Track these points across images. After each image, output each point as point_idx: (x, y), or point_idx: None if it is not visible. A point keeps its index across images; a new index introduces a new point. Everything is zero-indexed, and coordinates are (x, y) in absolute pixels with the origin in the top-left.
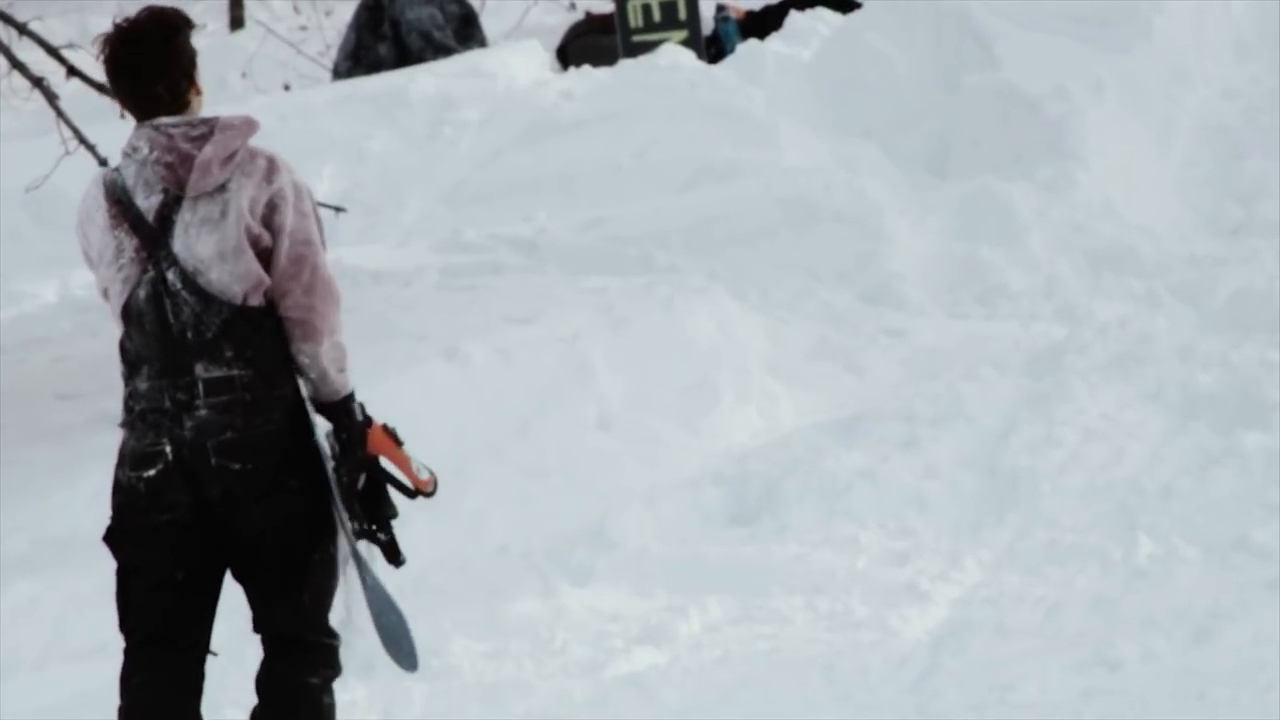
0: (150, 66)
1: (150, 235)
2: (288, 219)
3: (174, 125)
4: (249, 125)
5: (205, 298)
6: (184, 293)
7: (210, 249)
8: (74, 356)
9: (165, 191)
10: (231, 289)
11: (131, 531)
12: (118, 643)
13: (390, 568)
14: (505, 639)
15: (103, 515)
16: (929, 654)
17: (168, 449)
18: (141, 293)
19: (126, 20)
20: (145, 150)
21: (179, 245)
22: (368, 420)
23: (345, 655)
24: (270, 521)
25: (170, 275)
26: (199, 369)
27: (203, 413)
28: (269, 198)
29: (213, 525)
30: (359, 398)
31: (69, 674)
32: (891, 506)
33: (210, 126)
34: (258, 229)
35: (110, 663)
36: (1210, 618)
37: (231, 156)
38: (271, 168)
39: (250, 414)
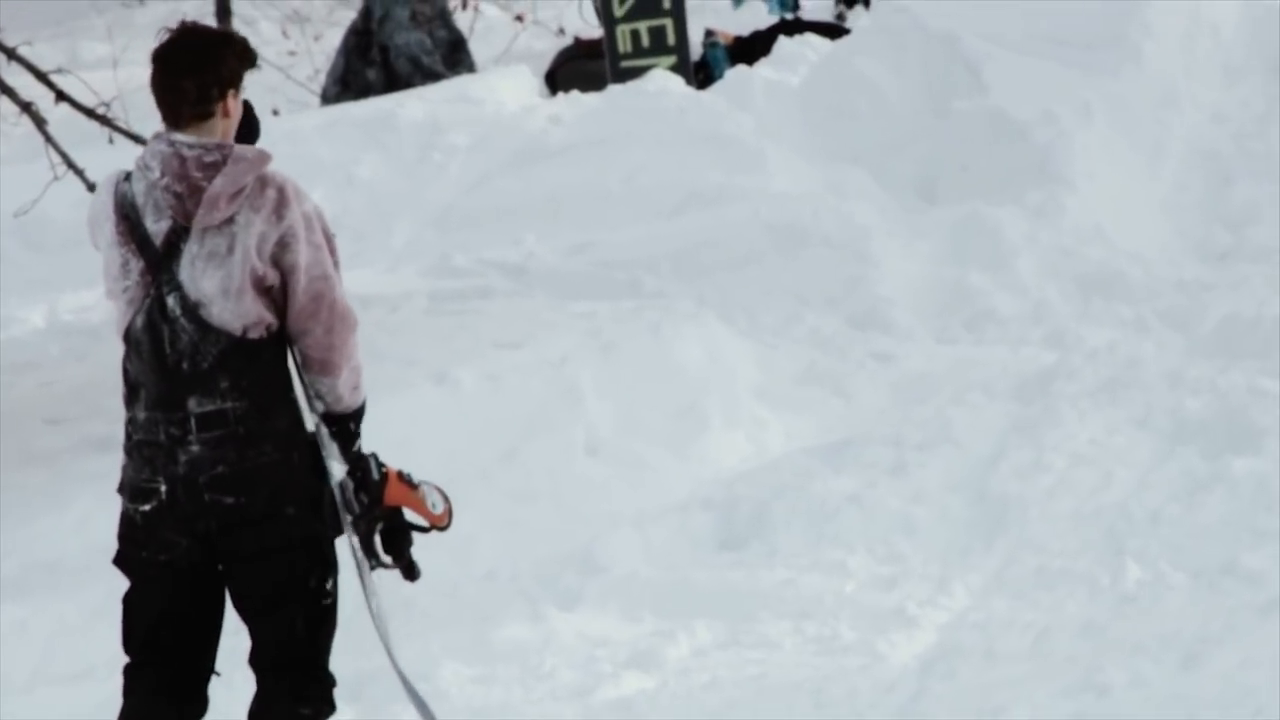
0: (184, 60)
1: (156, 260)
2: (301, 255)
3: (189, 146)
4: (261, 158)
5: (204, 327)
6: (183, 319)
7: (214, 285)
8: (62, 381)
9: (173, 219)
10: (232, 325)
11: (134, 564)
12: (106, 667)
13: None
14: (493, 664)
15: (91, 539)
16: (917, 679)
17: (162, 487)
18: (140, 320)
19: (188, 22)
20: (156, 173)
21: (184, 275)
22: (383, 471)
23: (334, 671)
24: (265, 544)
25: (170, 301)
26: (192, 404)
27: (195, 448)
28: (279, 236)
29: (212, 557)
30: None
31: (57, 697)
32: (880, 531)
33: (224, 155)
34: (263, 269)
35: (100, 686)
36: (1199, 643)
37: (240, 191)
38: (281, 200)
39: (243, 447)
